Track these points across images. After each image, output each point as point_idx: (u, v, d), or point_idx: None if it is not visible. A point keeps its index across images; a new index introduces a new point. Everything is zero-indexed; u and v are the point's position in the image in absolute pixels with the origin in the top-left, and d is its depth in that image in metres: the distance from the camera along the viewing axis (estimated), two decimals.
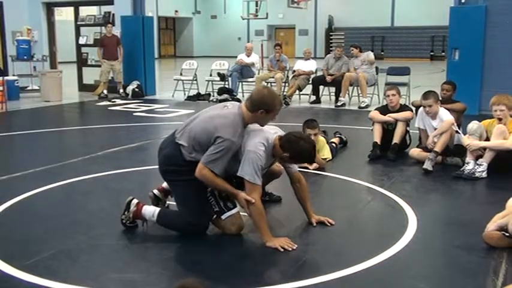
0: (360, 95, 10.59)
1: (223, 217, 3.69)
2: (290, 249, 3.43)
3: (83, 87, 13.37)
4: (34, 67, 12.92)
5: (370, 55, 10.85)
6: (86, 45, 13.18)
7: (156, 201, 4.07)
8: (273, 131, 3.71)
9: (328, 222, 3.94)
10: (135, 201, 3.78)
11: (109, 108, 10.52)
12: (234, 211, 3.69)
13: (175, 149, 3.62)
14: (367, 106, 10.11)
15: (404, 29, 30.07)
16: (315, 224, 3.92)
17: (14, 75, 12.05)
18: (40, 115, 9.92)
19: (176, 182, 3.71)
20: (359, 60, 10.79)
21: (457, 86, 6.68)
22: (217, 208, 3.69)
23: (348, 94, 10.80)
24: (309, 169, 5.52)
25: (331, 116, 9.39)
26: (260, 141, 3.54)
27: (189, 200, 3.65)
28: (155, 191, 4.11)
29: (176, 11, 34.82)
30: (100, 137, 7.81)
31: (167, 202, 4.12)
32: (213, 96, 11.59)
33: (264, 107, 3.53)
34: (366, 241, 3.77)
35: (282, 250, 3.42)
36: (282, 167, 4.02)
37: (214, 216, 3.73)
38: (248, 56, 11.94)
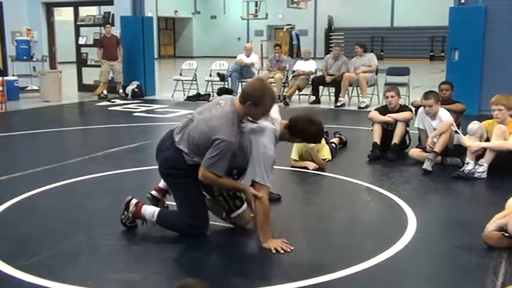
0: (360, 95, 10.59)
1: (232, 215, 3.74)
2: (283, 251, 3.41)
3: (82, 87, 13.36)
4: (34, 67, 12.92)
5: (373, 60, 10.79)
6: (85, 45, 13.18)
7: (155, 202, 4.05)
8: (275, 118, 3.66)
9: None
10: (134, 201, 3.78)
11: (109, 108, 10.52)
12: (242, 209, 3.72)
13: (176, 152, 3.58)
14: (366, 106, 10.11)
15: (404, 30, 30.05)
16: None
17: (13, 75, 12.03)
18: (40, 115, 9.91)
19: (176, 184, 3.70)
20: (362, 60, 10.77)
21: (455, 86, 6.70)
22: (226, 206, 3.73)
23: (348, 94, 10.80)
24: (309, 169, 5.53)
25: (330, 116, 9.39)
26: (269, 139, 3.51)
27: (189, 202, 3.65)
28: (153, 192, 4.10)
29: (176, 11, 34.79)
30: (100, 137, 7.81)
31: (166, 202, 4.12)
32: (213, 96, 11.59)
33: (251, 99, 3.39)
34: (365, 241, 3.77)
35: (275, 252, 3.41)
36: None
37: (224, 214, 3.77)
38: (248, 56, 11.94)
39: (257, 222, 3.57)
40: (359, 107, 10.24)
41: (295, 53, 13.51)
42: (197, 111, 3.69)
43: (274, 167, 3.64)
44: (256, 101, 3.40)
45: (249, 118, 3.54)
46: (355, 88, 10.88)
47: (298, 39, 14.89)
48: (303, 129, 3.59)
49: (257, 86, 3.49)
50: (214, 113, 3.50)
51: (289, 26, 14.96)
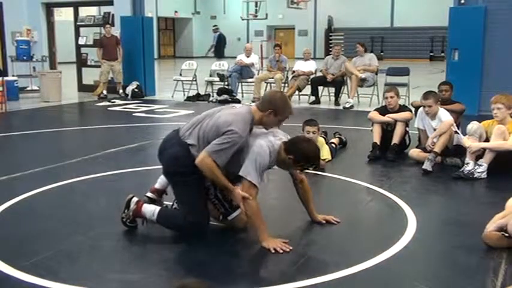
0: (348, 96, 10.63)
1: (229, 218, 3.75)
2: (281, 251, 3.41)
3: (82, 87, 13.36)
4: (34, 67, 12.92)
5: (373, 61, 10.77)
6: (85, 45, 13.19)
7: (152, 203, 4.05)
8: (279, 136, 3.69)
9: (334, 220, 3.97)
10: (135, 199, 3.78)
11: (108, 108, 10.52)
12: (239, 211, 3.71)
13: (182, 149, 3.59)
14: (351, 107, 10.28)
15: (404, 30, 30.08)
16: (323, 222, 3.95)
17: (13, 75, 12.04)
18: (39, 115, 9.92)
19: (180, 182, 3.69)
20: (362, 60, 10.75)
21: (455, 86, 6.71)
22: (222, 209, 3.74)
23: (348, 94, 10.80)
24: (309, 169, 5.51)
25: (330, 117, 9.39)
26: (267, 143, 3.54)
27: (190, 200, 3.65)
28: (149, 194, 4.09)
29: (176, 12, 34.82)
30: (100, 138, 7.80)
31: (164, 203, 4.11)
32: (213, 96, 11.59)
33: (273, 107, 3.57)
34: (365, 241, 3.77)
35: (274, 252, 3.40)
36: None
37: (221, 217, 3.77)
38: (248, 57, 11.95)
39: (250, 223, 3.58)
40: (344, 107, 10.32)
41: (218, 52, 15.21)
42: (208, 112, 3.70)
43: (274, 167, 3.70)
44: (277, 111, 3.58)
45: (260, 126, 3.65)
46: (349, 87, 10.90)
47: (219, 40, 16.64)
48: (297, 144, 3.59)
49: (279, 97, 3.70)
50: (230, 111, 3.61)
51: (215, 27, 16.73)
